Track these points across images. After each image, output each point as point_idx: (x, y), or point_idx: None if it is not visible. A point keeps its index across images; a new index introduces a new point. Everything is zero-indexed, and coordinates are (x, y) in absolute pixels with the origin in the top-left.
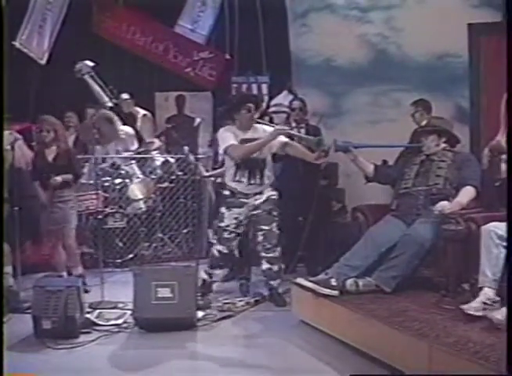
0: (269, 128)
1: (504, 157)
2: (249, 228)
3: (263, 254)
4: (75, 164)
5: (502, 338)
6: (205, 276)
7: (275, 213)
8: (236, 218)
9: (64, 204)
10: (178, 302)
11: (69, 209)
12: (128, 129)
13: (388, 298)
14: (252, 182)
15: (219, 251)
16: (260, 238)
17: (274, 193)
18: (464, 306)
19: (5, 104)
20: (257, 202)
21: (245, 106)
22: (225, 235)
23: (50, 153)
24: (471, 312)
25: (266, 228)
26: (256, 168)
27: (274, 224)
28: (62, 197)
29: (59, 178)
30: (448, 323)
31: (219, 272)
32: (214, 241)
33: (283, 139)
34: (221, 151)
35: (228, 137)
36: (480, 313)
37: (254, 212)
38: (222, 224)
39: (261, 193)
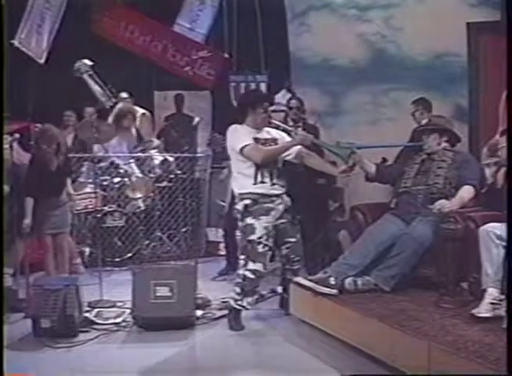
0: (282, 133)
1: (495, 160)
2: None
3: (288, 266)
4: (72, 167)
5: (501, 337)
6: (237, 307)
7: (296, 222)
8: (265, 228)
9: (64, 207)
10: (177, 301)
11: (67, 212)
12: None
13: (387, 297)
14: (275, 181)
15: (254, 271)
16: (285, 251)
17: (289, 199)
18: (474, 311)
19: (4, 104)
20: (281, 207)
21: (263, 105)
22: (260, 249)
23: (52, 163)
24: (484, 315)
25: (293, 240)
26: (275, 168)
27: (298, 235)
28: (60, 200)
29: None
30: (447, 322)
31: (251, 300)
32: (243, 262)
33: (297, 146)
34: (237, 149)
35: (244, 135)
36: (490, 314)
37: (279, 221)
38: (254, 236)
39: (281, 196)
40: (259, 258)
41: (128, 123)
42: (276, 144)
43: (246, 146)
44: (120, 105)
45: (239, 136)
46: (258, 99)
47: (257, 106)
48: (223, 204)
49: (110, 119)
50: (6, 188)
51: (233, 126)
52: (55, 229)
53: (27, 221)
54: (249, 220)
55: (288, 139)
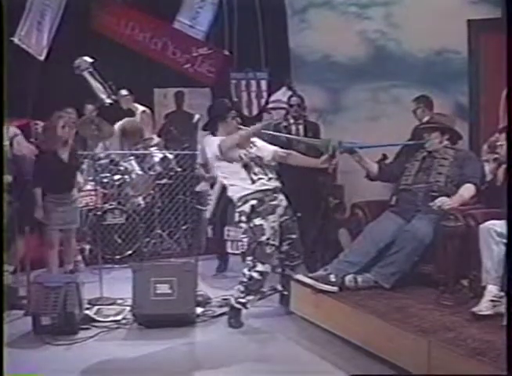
0: (255, 138)
1: (495, 156)
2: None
3: (287, 262)
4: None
5: (500, 334)
6: (237, 306)
7: (295, 218)
8: (272, 228)
9: (74, 204)
10: (177, 298)
11: (77, 208)
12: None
13: (387, 294)
14: (270, 176)
15: (262, 273)
16: (285, 247)
17: (284, 197)
18: (475, 309)
19: (4, 101)
20: (284, 203)
21: (230, 113)
22: (268, 250)
23: (64, 153)
24: (484, 313)
25: (294, 236)
26: (263, 163)
27: (297, 231)
28: (71, 196)
29: None
30: (446, 319)
31: (253, 298)
32: (250, 263)
33: (272, 147)
34: (215, 150)
35: (216, 139)
36: (491, 312)
37: (283, 218)
38: (263, 238)
39: (281, 191)
40: (267, 259)
41: (134, 140)
42: (255, 146)
43: (220, 143)
44: (128, 123)
45: (212, 142)
46: (225, 109)
47: (225, 115)
48: (201, 208)
49: (116, 127)
50: (9, 178)
51: (207, 137)
52: (64, 225)
53: (40, 211)
54: (257, 221)
55: (261, 141)
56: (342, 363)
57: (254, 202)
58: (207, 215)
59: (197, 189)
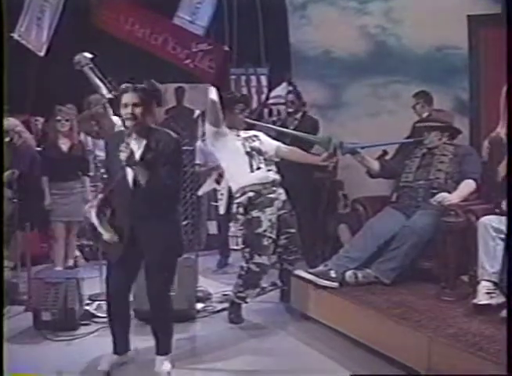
0: (259, 133)
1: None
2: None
3: (285, 256)
4: (88, 155)
5: (501, 330)
6: (237, 301)
7: (294, 213)
8: (270, 220)
9: (76, 197)
10: (178, 294)
11: (80, 202)
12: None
13: (387, 289)
14: (269, 168)
15: (259, 265)
16: (283, 241)
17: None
18: (474, 300)
19: (4, 98)
20: (282, 197)
21: (238, 106)
22: (265, 242)
23: (64, 144)
24: (485, 302)
25: (292, 231)
26: (264, 155)
27: (296, 225)
28: (74, 188)
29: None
30: (447, 315)
31: (252, 292)
32: (247, 255)
33: (275, 143)
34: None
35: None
36: (491, 301)
37: (281, 212)
38: (260, 230)
39: (280, 185)
40: (264, 251)
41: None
42: (259, 140)
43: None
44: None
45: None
46: (233, 101)
47: (233, 107)
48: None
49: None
50: (10, 172)
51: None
52: (67, 217)
53: (48, 199)
54: (254, 213)
55: (264, 136)
56: (342, 358)
57: (251, 194)
58: (221, 210)
59: (199, 193)
